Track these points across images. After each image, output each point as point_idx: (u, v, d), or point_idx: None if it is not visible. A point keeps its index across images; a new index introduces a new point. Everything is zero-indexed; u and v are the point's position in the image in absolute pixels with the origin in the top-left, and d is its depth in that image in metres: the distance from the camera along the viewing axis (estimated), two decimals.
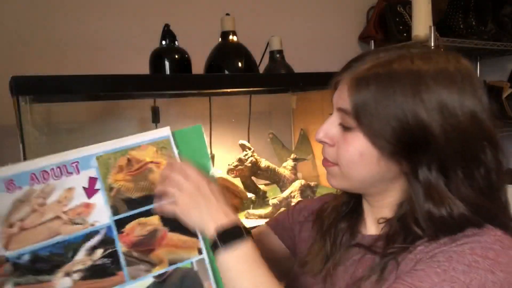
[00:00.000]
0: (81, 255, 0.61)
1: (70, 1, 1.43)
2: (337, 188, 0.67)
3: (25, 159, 0.99)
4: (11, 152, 1.31)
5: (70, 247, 0.61)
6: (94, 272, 0.61)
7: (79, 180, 0.62)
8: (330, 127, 0.62)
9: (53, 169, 0.62)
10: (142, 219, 0.63)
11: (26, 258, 0.60)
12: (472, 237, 0.53)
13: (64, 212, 0.62)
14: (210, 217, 0.59)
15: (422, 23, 1.77)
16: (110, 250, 0.62)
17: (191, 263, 0.63)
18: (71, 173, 0.62)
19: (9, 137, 1.31)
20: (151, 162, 0.64)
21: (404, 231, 0.58)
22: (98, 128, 1.46)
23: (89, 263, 0.61)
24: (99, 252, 0.62)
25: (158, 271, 0.63)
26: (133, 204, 0.63)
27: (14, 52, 1.35)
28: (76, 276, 0.60)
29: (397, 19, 1.92)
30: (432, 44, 1.71)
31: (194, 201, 0.59)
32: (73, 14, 1.43)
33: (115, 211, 0.63)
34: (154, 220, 0.63)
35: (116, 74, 1.12)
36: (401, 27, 1.91)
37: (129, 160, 0.64)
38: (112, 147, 0.64)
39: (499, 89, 2.21)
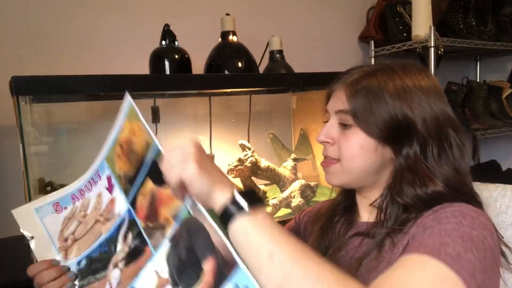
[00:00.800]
0: (119, 245, 0.68)
1: (70, 1, 1.43)
2: (337, 185, 0.75)
3: (25, 159, 0.99)
4: (11, 152, 1.32)
5: (111, 242, 0.69)
6: (131, 255, 0.67)
7: (102, 184, 0.71)
8: (330, 128, 0.72)
9: (86, 185, 0.72)
10: (142, 190, 0.66)
11: (83, 263, 0.70)
12: (450, 207, 0.62)
13: (101, 215, 0.70)
14: (221, 183, 0.54)
15: (422, 23, 1.77)
16: (136, 231, 0.67)
17: (187, 210, 0.60)
18: (97, 181, 0.71)
19: (9, 137, 1.31)
20: (132, 135, 0.67)
21: (393, 211, 0.67)
22: (98, 128, 1.45)
23: (126, 249, 0.67)
24: (130, 236, 0.67)
25: (169, 231, 0.63)
26: (134, 180, 0.67)
27: (14, 52, 1.35)
28: (121, 265, 0.67)
29: (397, 19, 1.92)
30: (432, 44, 1.71)
31: (202, 167, 0.53)
32: (73, 14, 1.43)
33: (126, 195, 0.68)
34: (149, 184, 0.65)
35: (116, 74, 1.12)
36: (401, 27, 1.91)
37: (120, 145, 0.68)
38: (109, 144, 0.70)
39: (499, 89, 2.22)
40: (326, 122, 0.74)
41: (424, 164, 0.67)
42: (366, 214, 0.75)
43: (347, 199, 0.79)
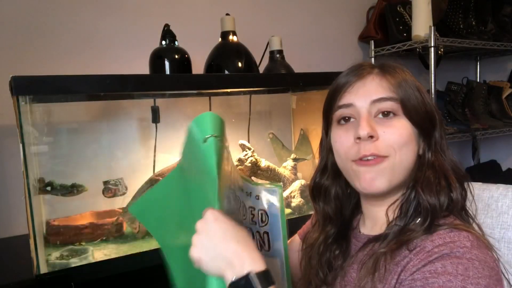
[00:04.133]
0: None
1: (70, 1, 1.43)
2: (384, 189, 0.66)
3: (25, 159, 0.99)
4: (11, 152, 1.31)
5: None
6: None
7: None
8: (369, 122, 0.65)
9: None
10: None
11: None
12: (443, 247, 0.58)
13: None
14: (239, 258, 0.55)
15: (422, 23, 1.77)
16: None
17: None
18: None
19: (9, 137, 1.31)
20: None
21: (410, 208, 0.65)
22: (98, 128, 1.45)
23: None
24: None
25: None
26: None
27: (14, 52, 1.35)
28: None
29: (397, 19, 1.92)
30: (432, 44, 1.71)
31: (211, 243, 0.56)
32: (73, 14, 1.43)
33: None
34: None
35: (116, 74, 1.12)
36: (401, 27, 1.91)
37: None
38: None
39: (499, 89, 2.21)
40: (346, 118, 0.69)
41: (442, 159, 0.67)
42: (369, 227, 0.73)
43: (339, 226, 0.75)
